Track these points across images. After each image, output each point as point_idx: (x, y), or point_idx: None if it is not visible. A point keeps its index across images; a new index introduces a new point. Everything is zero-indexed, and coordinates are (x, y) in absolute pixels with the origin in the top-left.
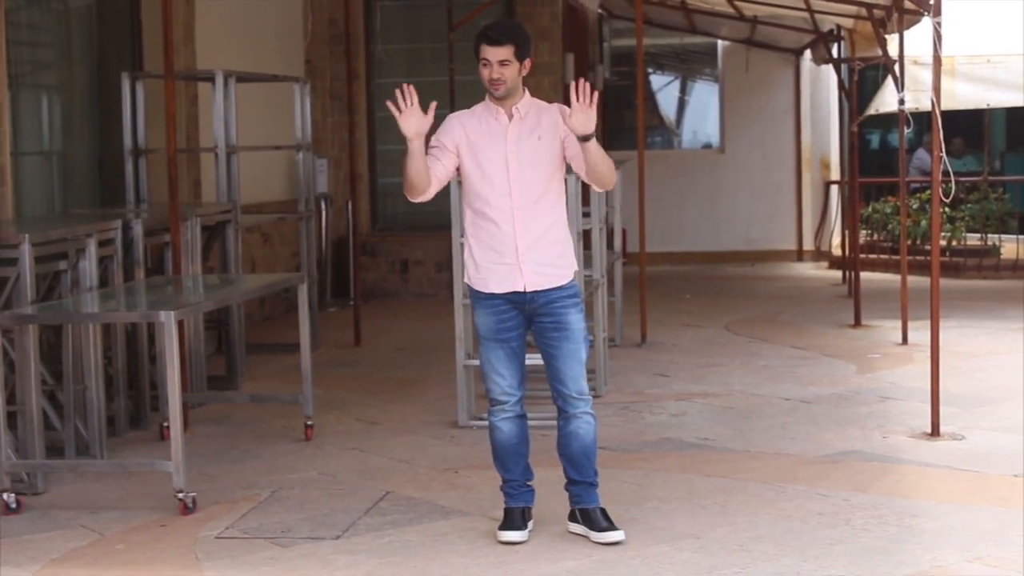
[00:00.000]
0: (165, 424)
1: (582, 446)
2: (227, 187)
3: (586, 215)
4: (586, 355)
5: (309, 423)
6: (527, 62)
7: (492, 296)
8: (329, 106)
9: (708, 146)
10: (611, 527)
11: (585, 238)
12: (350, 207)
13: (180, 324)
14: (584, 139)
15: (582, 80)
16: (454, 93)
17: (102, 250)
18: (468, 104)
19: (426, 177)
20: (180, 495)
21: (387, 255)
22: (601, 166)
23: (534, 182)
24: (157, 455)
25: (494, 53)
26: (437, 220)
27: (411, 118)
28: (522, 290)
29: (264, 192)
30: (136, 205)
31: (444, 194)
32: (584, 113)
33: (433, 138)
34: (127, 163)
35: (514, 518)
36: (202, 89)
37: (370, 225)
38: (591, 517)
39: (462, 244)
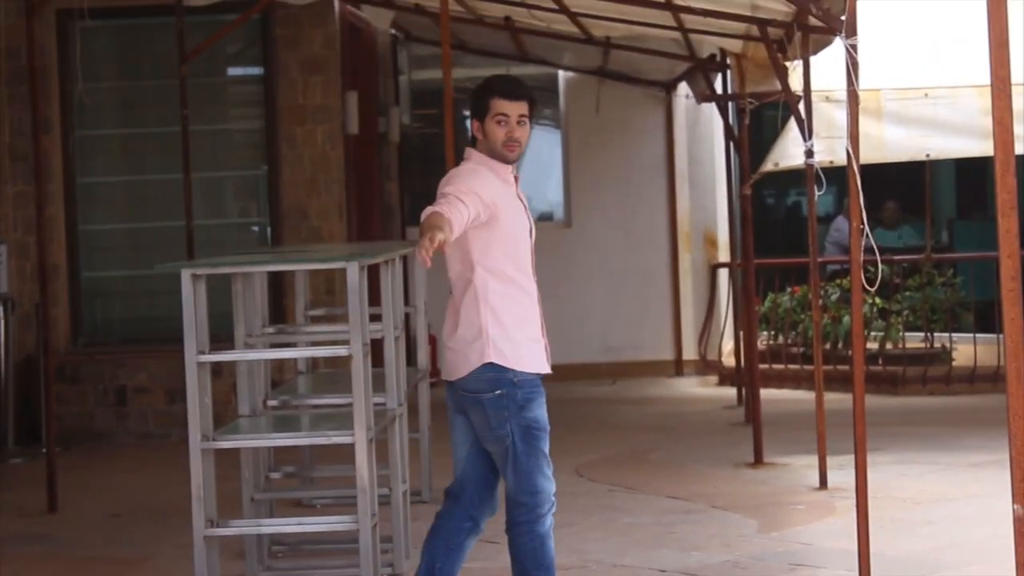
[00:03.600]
0: None
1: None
2: None
3: (375, 318)
4: None
5: None
6: (529, 127)
7: (539, 377)
8: (9, 170)
9: (548, 217)
10: None
11: (375, 351)
12: (40, 313)
13: None
14: None
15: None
16: (188, 147)
17: None
18: (207, 163)
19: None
20: None
21: (96, 381)
22: None
23: (533, 257)
24: None
25: (514, 108)
26: (166, 329)
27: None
28: (549, 372)
29: None
30: None
31: (172, 292)
32: None
33: (462, 184)
34: None
35: None
36: None
37: (69, 339)
38: None
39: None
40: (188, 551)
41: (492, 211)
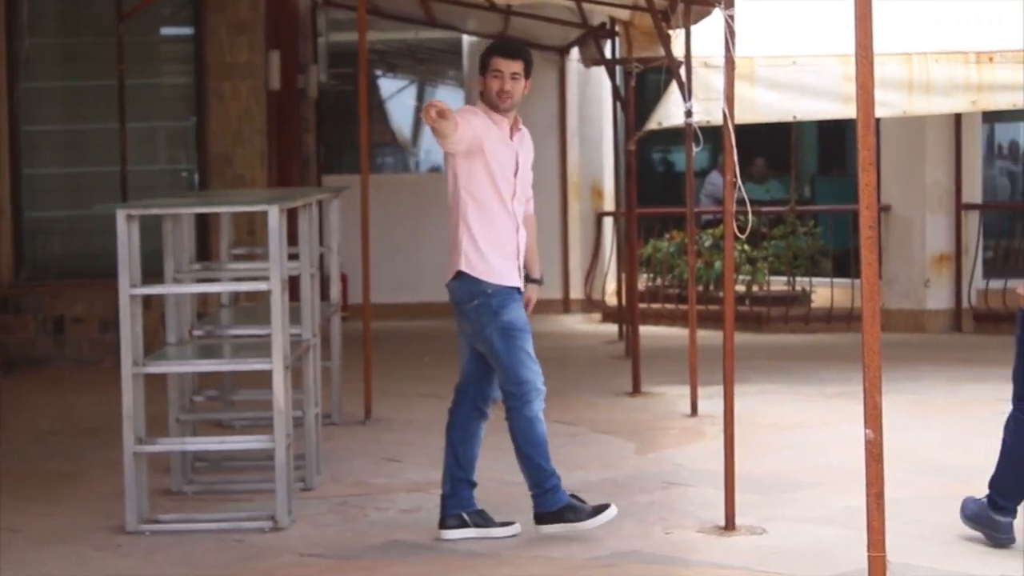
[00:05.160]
0: None
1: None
2: None
3: (292, 257)
4: None
5: None
6: (528, 82)
7: (514, 288)
8: None
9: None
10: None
11: (292, 287)
12: None
13: None
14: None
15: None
16: (124, 99)
17: None
18: (141, 114)
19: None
20: None
21: (36, 311)
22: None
23: (522, 196)
24: None
25: (508, 65)
26: (102, 265)
27: (440, 125)
28: (521, 288)
29: None
30: None
31: (108, 231)
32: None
33: (459, 112)
34: None
35: (584, 504)
36: None
37: (12, 272)
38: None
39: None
40: (119, 466)
41: (479, 143)
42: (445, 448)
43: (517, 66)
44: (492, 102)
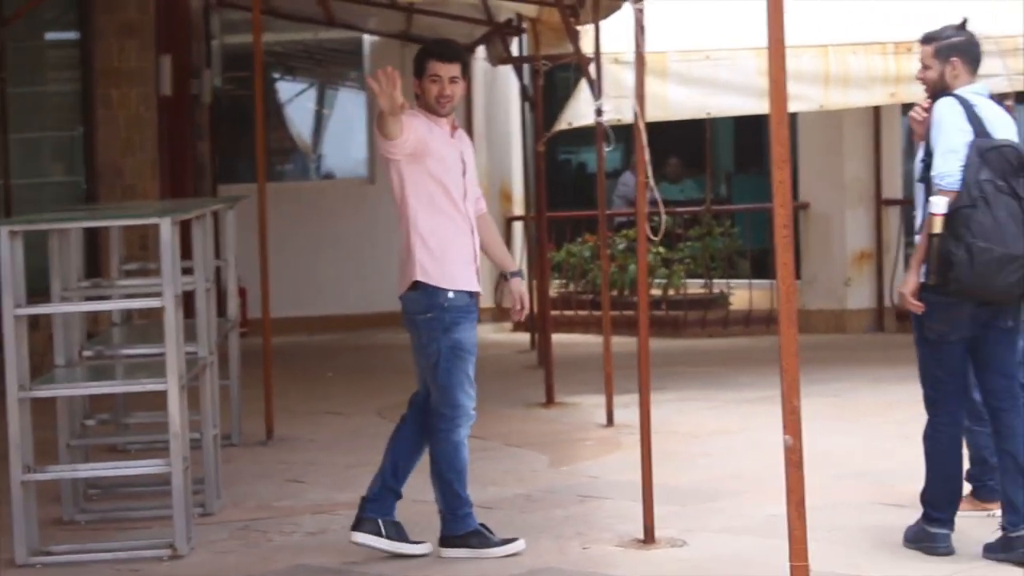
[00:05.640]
0: None
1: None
2: None
3: (187, 271)
4: None
5: None
6: (464, 83)
7: (471, 296)
8: None
9: (355, 175)
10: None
11: (187, 303)
12: None
13: None
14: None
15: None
16: (6, 108)
17: None
18: (25, 124)
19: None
20: None
21: None
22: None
23: (472, 195)
24: None
25: (446, 70)
26: None
27: (391, 97)
28: (479, 291)
29: None
30: None
31: None
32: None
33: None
34: None
35: (490, 533)
36: None
37: None
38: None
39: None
40: (7, 495)
41: (423, 146)
42: (386, 453)
43: (455, 69)
44: (431, 106)
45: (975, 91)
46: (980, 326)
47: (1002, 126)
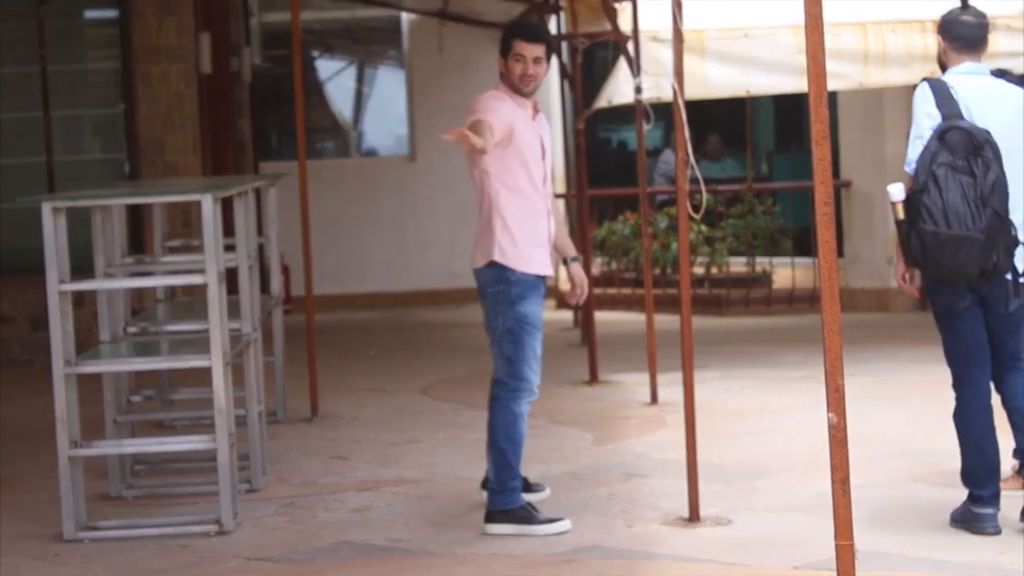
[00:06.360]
0: None
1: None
2: None
3: (230, 248)
4: None
5: None
6: (548, 65)
7: (539, 279)
8: None
9: (395, 153)
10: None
11: (231, 280)
12: None
13: None
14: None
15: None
16: (47, 87)
17: None
18: (66, 101)
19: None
20: None
21: None
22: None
23: (549, 179)
24: None
25: (530, 50)
26: (31, 260)
27: (471, 145)
28: (551, 275)
29: None
30: None
31: (36, 225)
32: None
33: (486, 106)
34: None
35: (537, 512)
36: None
37: None
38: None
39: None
40: (54, 471)
41: (510, 131)
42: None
43: (539, 50)
44: (515, 85)
45: (966, 71)
46: (982, 299)
47: (991, 106)
